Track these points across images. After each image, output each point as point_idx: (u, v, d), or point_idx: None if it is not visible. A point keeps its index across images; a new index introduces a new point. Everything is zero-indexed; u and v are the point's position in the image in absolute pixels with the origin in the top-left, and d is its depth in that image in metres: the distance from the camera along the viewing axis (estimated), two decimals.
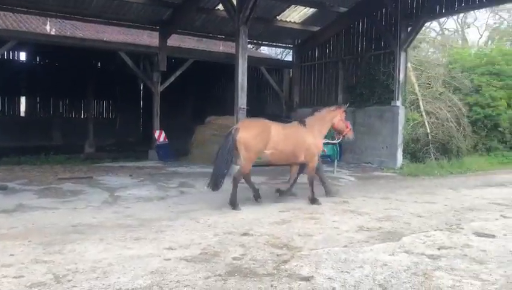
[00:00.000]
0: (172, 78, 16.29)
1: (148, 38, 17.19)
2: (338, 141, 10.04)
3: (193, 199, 8.98)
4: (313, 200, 8.54)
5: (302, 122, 8.78)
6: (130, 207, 8.08)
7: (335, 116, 9.03)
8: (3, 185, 9.29)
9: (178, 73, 16.40)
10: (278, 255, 5.38)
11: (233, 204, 8.03)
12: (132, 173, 12.18)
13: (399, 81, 14.69)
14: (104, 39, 15.72)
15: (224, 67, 18.75)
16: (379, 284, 4.49)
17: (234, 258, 5.25)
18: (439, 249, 5.75)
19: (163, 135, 16.25)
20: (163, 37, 15.70)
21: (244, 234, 6.28)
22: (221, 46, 19.09)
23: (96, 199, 8.67)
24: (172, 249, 5.55)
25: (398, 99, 14.75)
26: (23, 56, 21.97)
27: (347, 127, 9.26)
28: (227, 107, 16.34)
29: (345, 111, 9.31)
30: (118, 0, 13.87)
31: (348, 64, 17.14)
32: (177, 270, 4.81)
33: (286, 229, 6.62)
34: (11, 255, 5.15)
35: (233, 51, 12.38)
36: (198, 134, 15.92)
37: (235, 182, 8.20)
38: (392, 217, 7.60)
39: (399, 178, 13.14)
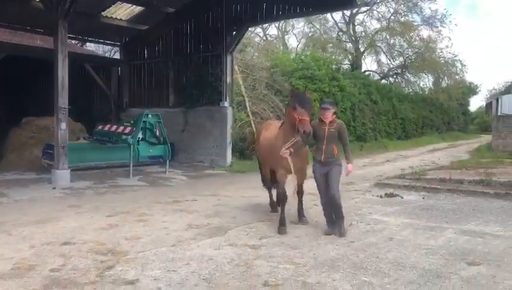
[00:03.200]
0: None
1: None
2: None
3: (5, 210, 8.02)
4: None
5: None
6: None
7: None
8: None
9: None
10: (102, 261, 5.15)
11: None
12: None
13: (226, 83, 15.32)
14: None
15: (44, 63, 17.17)
16: (204, 279, 4.63)
17: (52, 270, 4.86)
18: (260, 239, 6.18)
19: None
20: None
21: (65, 243, 5.86)
22: (38, 40, 17.42)
23: None
24: None
25: (226, 100, 15.37)
26: None
27: None
28: (48, 107, 15.01)
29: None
30: None
31: (178, 64, 17.24)
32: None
33: (113, 234, 6.38)
34: None
35: (52, 45, 11.43)
36: (13, 137, 14.29)
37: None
38: (220, 212, 7.90)
39: (228, 175, 13.74)
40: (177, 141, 15.85)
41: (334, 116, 6.59)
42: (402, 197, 9.49)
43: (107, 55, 24.53)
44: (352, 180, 11.15)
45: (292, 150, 6.30)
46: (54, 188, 10.13)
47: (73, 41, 18.96)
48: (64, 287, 4.38)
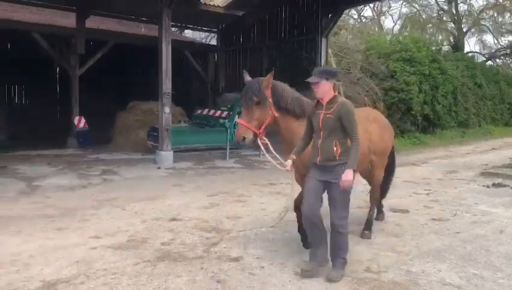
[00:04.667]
0: (91, 62, 15.56)
1: (65, 19, 16.22)
2: None
3: (117, 187, 8.73)
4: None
5: None
6: (50, 197, 7.69)
7: None
8: None
9: (98, 56, 15.68)
10: (207, 238, 5.43)
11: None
12: (50, 161, 11.56)
13: (320, 67, 15.16)
14: (15, 18, 14.60)
15: (148, 51, 18.22)
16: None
17: (163, 244, 5.24)
18: (358, 225, 6.10)
19: (83, 121, 15.52)
20: (81, 18, 14.90)
21: (173, 220, 6.26)
22: (143, 29, 18.49)
23: (11, 190, 8.15)
24: (98, 238, 5.40)
25: None
26: None
27: None
28: (151, 92, 15.95)
29: None
30: None
31: (272, 49, 17.37)
32: (104, 258, 4.71)
33: (215, 212, 6.68)
34: None
35: (156, 33, 12.08)
36: (120, 120, 15.40)
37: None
38: None
39: None
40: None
41: (334, 92, 4.33)
42: None
43: (203, 41, 25.40)
44: (455, 169, 10.56)
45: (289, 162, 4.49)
46: (159, 168, 10.80)
47: (173, 29, 19.86)
48: (175, 260, 4.69)
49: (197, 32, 24.06)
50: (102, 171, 10.24)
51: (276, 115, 4.58)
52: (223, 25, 19.10)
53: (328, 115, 4.22)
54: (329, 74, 4.32)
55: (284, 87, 4.73)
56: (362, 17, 35.46)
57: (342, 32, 23.04)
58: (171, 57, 11.33)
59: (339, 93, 4.85)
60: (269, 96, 4.54)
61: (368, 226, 5.74)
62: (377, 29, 33.52)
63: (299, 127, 4.68)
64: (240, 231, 5.74)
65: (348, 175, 4.10)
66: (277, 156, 4.75)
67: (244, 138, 4.49)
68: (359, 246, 5.20)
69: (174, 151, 11.76)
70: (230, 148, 12.90)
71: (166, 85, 11.28)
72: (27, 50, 18.37)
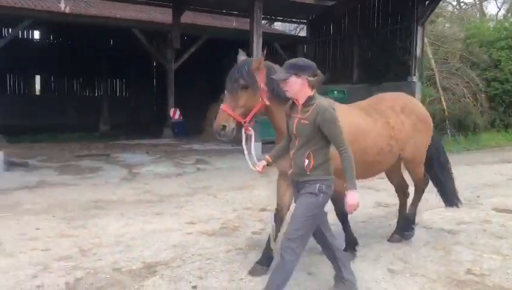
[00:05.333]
0: (186, 56, 16.23)
1: (161, 15, 17.08)
2: None
3: (209, 176, 9.05)
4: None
5: None
6: (148, 183, 8.18)
7: None
8: (24, 162, 9.44)
9: (192, 50, 16.32)
10: None
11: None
12: (148, 150, 12.29)
13: (416, 57, 14.45)
14: (117, 16, 15.65)
15: (238, 44, 18.61)
16: (399, 258, 4.53)
17: (254, 233, 5.33)
18: (458, 224, 5.75)
19: (178, 112, 16.30)
20: (177, 14, 15.59)
21: (262, 210, 6.35)
22: (234, 23, 18.90)
23: (114, 176, 8.79)
24: (192, 224, 5.64)
25: (414, 75, 14.54)
26: (36, 35, 22.01)
27: None
28: None
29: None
30: None
31: (364, 39, 16.87)
32: (199, 243, 4.89)
33: None
34: (37, 229, 5.29)
35: (246, 27, 12.28)
36: (212, 112, 15.92)
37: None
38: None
39: None
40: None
41: (311, 89, 3.37)
42: None
43: (292, 33, 25.36)
44: None
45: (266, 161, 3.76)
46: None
47: (263, 22, 20.05)
48: None
49: (286, 23, 24.10)
50: (195, 161, 10.67)
51: (268, 103, 3.83)
52: (313, 16, 18.90)
53: (302, 121, 3.34)
54: (298, 69, 3.33)
55: (274, 67, 3.83)
56: (462, 3, 33.16)
57: (439, 20, 21.76)
58: (261, 49, 11.45)
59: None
60: (261, 81, 3.80)
61: (399, 228, 5.06)
62: (478, 15, 31.17)
63: None
64: (332, 224, 5.65)
65: (352, 198, 3.31)
66: (253, 154, 3.88)
67: (223, 127, 3.74)
68: (459, 247, 4.89)
69: (262, 143, 11.90)
70: None
71: None
72: (127, 46, 19.65)
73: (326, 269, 4.24)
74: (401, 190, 5.33)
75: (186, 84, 20.24)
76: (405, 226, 5.08)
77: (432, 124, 5.06)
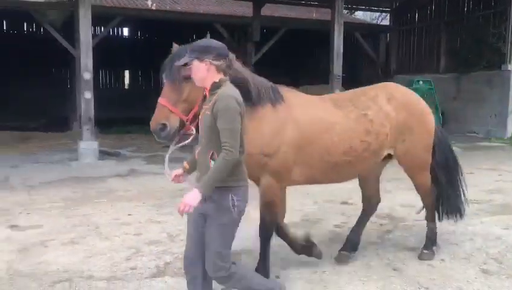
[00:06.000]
0: (265, 48, 16.34)
1: (241, 8, 17.34)
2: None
3: None
4: None
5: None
6: None
7: None
8: (116, 152, 10.10)
9: (271, 43, 16.40)
10: (380, 224, 5.31)
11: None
12: None
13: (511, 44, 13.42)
14: (201, 11, 16.14)
15: (317, 35, 18.40)
16: (493, 258, 4.26)
17: (335, 226, 5.29)
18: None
19: None
20: (257, 7, 15.73)
21: (344, 203, 6.26)
22: (314, 14, 18.70)
23: None
24: None
25: (509, 63, 13.50)
26: (125, 32, 23.37)
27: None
28: (322, 76, 16.10)
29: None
30: None
31: (452, 26, 15.94)
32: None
33: (387, 199, 6.44)
34: (129, 214, 5.64)
35: (326, 17, 12.11)
36: None
37: None
38: (503, 189, 7.10)
39: (509, 149, 12.16)
40: (447, 109, 14.86)
41: (221, 75, 2.87)
42: None
43: (374, 22, 24.60)
44: None
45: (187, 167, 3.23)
46: None
47: (344, 11, 19.64)
48: None
49: (367, 12, 23.42)
50: None
51: None
52: (397, 4, 18.20)
53: (206, 112, 2.83)
54: (200, 51, 2.82)
55: (232, 57, 3.15)
56: None
57: None
58: (342, 39, 11.25)
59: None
60: None
61: (427, 244, 4.35)
62: None
63: (253, 121, 3.37)
64: (416, 220, 5.45)
65: (191, 196, 2.67)
66: (166, 162, 3.29)
67: (163, 126, 3.21)
68: None
69: None
70: None
71: (337, 68, 11.25)
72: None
73: (412, 265, 4.11)
74: (367, 202, 4.51)
75: (266, 77, 20.39)
76: (427, 245, 4.35)
77: (431, 121, 4.21)
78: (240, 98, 2.82)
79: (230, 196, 2.77)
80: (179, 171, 3.19)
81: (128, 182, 7.69)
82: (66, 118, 15.89)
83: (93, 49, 9.80)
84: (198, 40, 2.93)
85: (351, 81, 17.94)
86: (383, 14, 22.48)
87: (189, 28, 21.11)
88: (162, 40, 22.26)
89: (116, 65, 22.48)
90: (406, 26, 17.90)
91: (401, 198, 6.51)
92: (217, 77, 2.84)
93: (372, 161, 3.99)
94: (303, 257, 4.26)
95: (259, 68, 16.99)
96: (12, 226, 5.30)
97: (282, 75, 22.66)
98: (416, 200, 6.29)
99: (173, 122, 3.20)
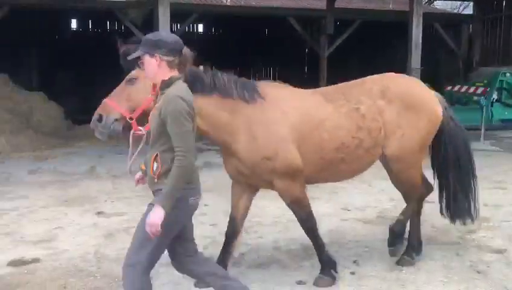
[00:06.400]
0: (339, 41, 16.05)
1: (314, 1, 17.15)
2: None
3: None
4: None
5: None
6: None
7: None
8: None
9: (345, 35, 16.07)
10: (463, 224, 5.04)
11: None
12: None
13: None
14: (274, 5, 16.17)
15: (393, 27, 17.77)
16: None
17: None
18: None
19: None
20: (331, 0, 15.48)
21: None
22: (391, 4, 18.06)
23: None
24: (347, 211, 5.63)
25: None
26: (200, 28, 24.02)
27: None
28: (395, 70, 15.51)
29: None
30: None
31: None
32: (356, 231, 4.87)
33: None
34: (206, 205, 5.81)
35: (403, 8, 11.64)
36: None
37: None
38: None
39: None
40: None
41: (173, 72, 2.72)
42: None
43: (455, 11, 23.32)
44: None
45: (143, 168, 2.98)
46: None
47: (423, 1, 18.79)
48: (428, 241, 4.50)
49: (448, 1, 22.23)
50: None
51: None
52: None
53: (154, 112, 2.69)
54: (150, 46, 2.66)
55: (187, 52, 2.80)
56: None
57: None
58: (421, 30, 10.76)
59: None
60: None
61: (408, 250, 4.06)
62: None
63: (224, 114, 3.35)
64: (502, 221, 5.14)
65: (154, 215, 2.52)
66: (129, 160, 3.08)
67: (99, 117, 3.16)
68: None
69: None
70: (486, 129, 11.62)
71: (416, 60, 10.79)
72: (280, 34, 20.22)
73: (497, 268, 3.88)
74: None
75: (337, 70, 20.09)
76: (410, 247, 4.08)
77: (435, 113, 3.82)
78: (189, 97, 2.66)
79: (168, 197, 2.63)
80: (139, 174, 3.05)
81: (205, 173, 7.90)
82: None
83: None
84: (150, 33, 2.77)
85: (430, 74, 17.19)
86: (465, 2, 21.19)
87: (261, 23, 21.33)
88: (234, 35, 22.74)
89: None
90: (491, 14, 16.75)
91: (485, 197, 6.13)
92: (169, 74, 2.69)
93: (368, 158, 3.76)
94: (379, 254, 4.17)
95: (332, 61, 16.83)
96: (99, 213, 5.67)
97: (355, 69, 22.28)
98: (503, 200, 5.94)
99: (111, 115, 3.16)
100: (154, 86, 2.83)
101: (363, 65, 22.12)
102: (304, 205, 3.68)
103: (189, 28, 22.49)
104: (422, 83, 4.06)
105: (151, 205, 2.63)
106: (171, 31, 11.27)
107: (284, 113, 3.48)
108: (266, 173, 3.47)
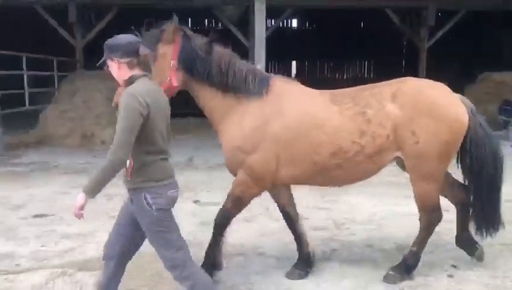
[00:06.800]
0: (440, 33, 15.16)
1: None
2: None
3: None
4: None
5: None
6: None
7: None
8: None
9: (448, 26, 15.14)
10: None
11: None
12: None
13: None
14: None
15: (502, 17, 16.41)
16: None
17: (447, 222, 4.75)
18: None
19: None
20: None
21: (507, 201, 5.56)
22: None
23: None
24: (446, 211, 5.34)
25: None
26: (294, 23, 24.05)
27: None
28: (502, 63, 14.38)
29: None
30: None
31: None
32: (452, 232, 4.62)
33: None
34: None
35: None
36: (468, 93, 14.55)
37: None
38: None
39: None
40: None
41: (131, 70, 2.76)
42: None
43: None
44: None
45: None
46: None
47: None
48: None
49: None
50: None
51: (175, 84, 3.35)
52: None
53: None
54: (109, 50, 2.76)
55: (144, 51, 2.82)
56: None
57: None
58: None
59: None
60: (173, 53, 3.32)
61: (399, 267, 3.71)
62: None
63: (236, 113, 3.46)
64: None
65: (77, 200, 2.63)
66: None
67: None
68: None
69: None
70: None
71: None
72: (376, 27, 19.59)
73: None
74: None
75: (437, 62, 19.02)
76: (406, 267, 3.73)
77: (458, 119, 3.41)
78: (147, 96, 2.65)
79: (143, 195, 2.72)
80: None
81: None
82: None
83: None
84: (109, 39, 2.82)
85: None
86: None
87: (356, 16, 20.84)
88: (328, 29, 22.46)
89: (285, 56, 23.31)
90: None
91: None
92: (129, 73, 2.77)
93: (370, 166, 3.51)
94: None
95: (431, 53, 15.96)
96: (196, 201, 5.99)
97: (455, 60, 20.94)
98: None
99: None
100: (118, 85, 2.91)
101: (466, 57, 20.76)
102: (238, 206, 3.61)
103: (282, 23, 22.63)
104: (445, 86, 3.67)
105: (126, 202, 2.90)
106: (266, 27, 11.45)
107: (279, 111, 3.42)
108: (236, 163, 3.48)
